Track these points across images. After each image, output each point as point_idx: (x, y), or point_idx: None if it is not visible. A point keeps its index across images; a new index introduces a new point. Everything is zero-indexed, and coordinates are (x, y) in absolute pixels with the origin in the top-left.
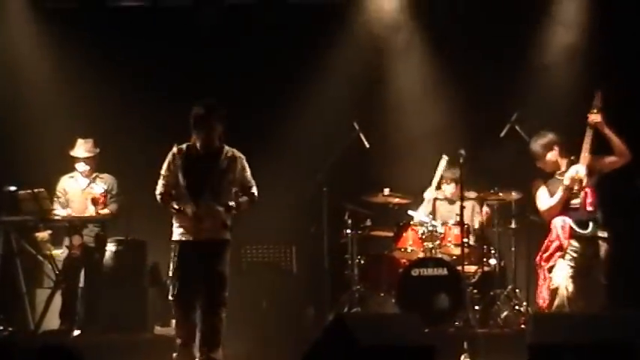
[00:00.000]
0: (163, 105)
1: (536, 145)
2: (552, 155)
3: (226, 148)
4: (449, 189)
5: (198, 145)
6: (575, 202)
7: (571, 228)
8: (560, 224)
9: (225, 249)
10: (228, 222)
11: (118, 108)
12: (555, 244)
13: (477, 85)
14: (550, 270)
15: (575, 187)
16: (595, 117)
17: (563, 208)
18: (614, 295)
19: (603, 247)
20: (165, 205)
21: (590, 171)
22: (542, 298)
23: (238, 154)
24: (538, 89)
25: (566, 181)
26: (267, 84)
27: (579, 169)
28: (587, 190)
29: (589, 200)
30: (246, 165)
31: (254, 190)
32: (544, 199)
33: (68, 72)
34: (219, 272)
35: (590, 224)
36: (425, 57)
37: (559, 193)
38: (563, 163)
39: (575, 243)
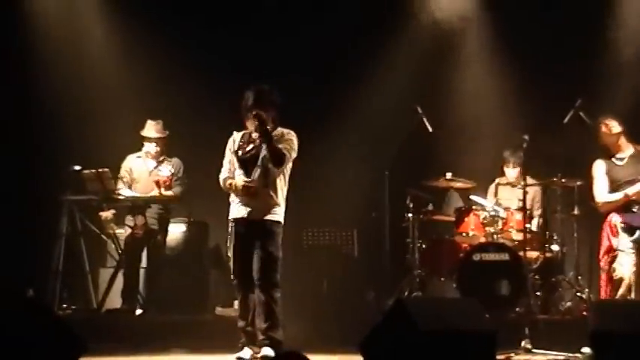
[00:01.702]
0: (231, 88)
1: (597, 126)
2: (615, 124)
3: (278, 130)
4: (512, 173)
5: (251, 130)
6: (635, 206)
7: (617, 227)
8: (609, 224)
9: (275, 230)
10: (280, 203)
11: (185, 91)
12: (605, 244)
13: (541, 70)
14: (610, 263)
15: None
16: None
17: (623, 208)
18: None
19: None
20: (227, 189)
21: None
22: (605, 291)
23: (287, 131)
24: (604, 75)
25: (630, 192)
26: (330, 70)
27: None
28: None
29: None
30: (292, 138)
31: (285, 153)
32: (601, 189)
33: (138, 53)
34: (269, 253)
35: (637, 233)
36: (488, 41)
37: (618, 195)
38: (626, 147)
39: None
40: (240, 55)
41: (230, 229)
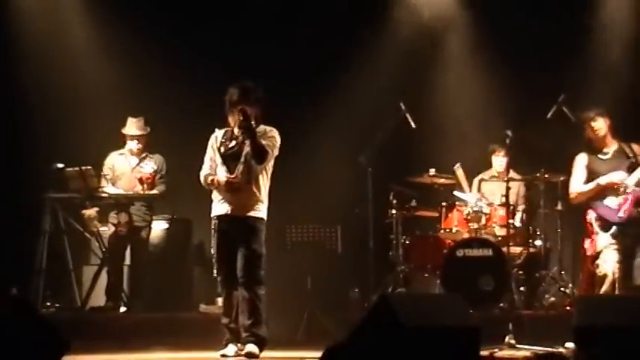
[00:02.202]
0: (213, 86)
1: (589, 111)
2: (601, 124)
3: (261, 127)
4: (501, 162)
5: (234, 127)
6: (613, 201)
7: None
8: (587, 223)
9: (259, 227)
10: (263, 200)
11: (166, 88)
12: (587, 245)
13: (524, 66)
14: (593, 261)
15: (621, 189)
16: None
17: (597, 200)
18: None
19: None
20: (208, 186)
21: None
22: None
23: (270, 128)
24: (587, 70)
25: (602, 182)
26: (314, 66)
27: (627, 180)
28: (630, 196)
29: (625, 207)
30: (274, 135)
31: (267, 149)
32: (576, 180)
33: (118, 51)
34: (252, 250)
35: (614, 228)
36: (470, 39)
37: (590, 185)
38: (611, 143)
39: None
40: (222, 52)
41: (213, 227)
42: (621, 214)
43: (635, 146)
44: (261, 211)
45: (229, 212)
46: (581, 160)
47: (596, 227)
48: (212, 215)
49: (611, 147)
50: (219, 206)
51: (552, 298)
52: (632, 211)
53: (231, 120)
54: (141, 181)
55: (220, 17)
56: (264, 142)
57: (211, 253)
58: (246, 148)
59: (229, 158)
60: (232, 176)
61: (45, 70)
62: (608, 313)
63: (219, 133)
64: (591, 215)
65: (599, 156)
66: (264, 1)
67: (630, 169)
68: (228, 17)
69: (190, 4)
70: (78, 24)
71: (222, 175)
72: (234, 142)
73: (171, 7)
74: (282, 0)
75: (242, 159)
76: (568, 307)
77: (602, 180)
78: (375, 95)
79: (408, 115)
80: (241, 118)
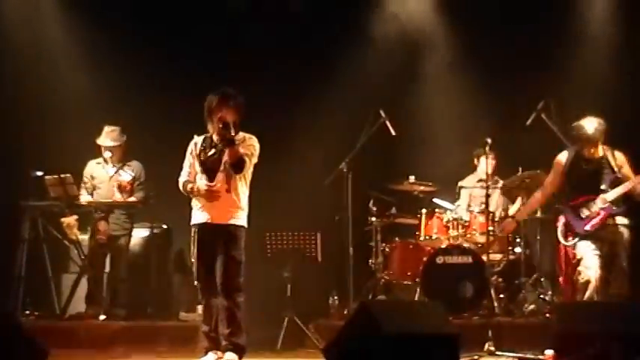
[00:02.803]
0: (189, 93)
1: (595, 130)
2: (595, 155)
3: (240, 134)
4: (483, 167)
5: (210, 130)
6: (585, 212)
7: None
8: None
9: (238, 234)
10: (243, 207)
11: (144, 95)
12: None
13: (504, 73)
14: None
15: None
16: None
17: (570, 207)
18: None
19: (625, 234)
20: (188, 193)
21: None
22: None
23: (249, 136)
24: (567, 78)
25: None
26: (293, 71)
27: (606, 195)
28: (603, 213)
29: (594, 222)
30: (253, 143)
31: (245, 159)
32: (554, 172)
33: (95, 59)
34: (232, 257)
35: (575, 240)
36: (451, 47)
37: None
38: (599, 149)
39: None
40: (201, 60)
41: (193, 235)
42: (588, 227)
43: (618, 155)
44: (241, 218)
45: (209, 220)
46: (559, 161)
47: (559, 234)
48: (192, 223)
49: (598, 153)
50: (199, 214)
51: (532, 305)
52: (599, 226)
53: (210, 127)
54: (120, 188)
55: (198, 24)
56: (242, 150)
57: (191, 261)
58: (226, 157)
59: (209, 166)
60: (212, 184)
61: (23, 78)
62: (587, 319)
63: (198, 140)
64: (560, 222)
65: (584, 162)
66: (243, 9)
67: (612, 185)
68: (206, 24)
69: (168, 12)
70: (56, 31)
71: (201, 183)
72: (213, 150)
73: (149, 15)
74: (262, 8)
75: (221, 167)
76: (547, 314)
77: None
78: (354, 102)
79: (388, 123)
80: (220, 126)
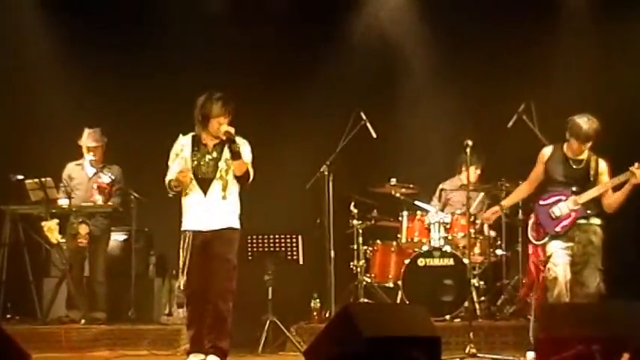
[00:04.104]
0: (171, 95)
1: (592, 129)
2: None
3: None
4: (472, 175)
5: (203, 136)
6: (557, 211)
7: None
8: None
9: (234, 237)
10: (236, 210)
11: (124, 98)
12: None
13: (485, 75)
14: (545, 263)
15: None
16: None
17: (541, 207)
18: (609, 280)
19: (597, 233)
20: (172, 189)
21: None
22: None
23: (243, 141)
24: (549, 79)
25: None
26: (273, 72)
27: (579, 198)
28: (574, 214)
29: (565, 223)
30: (247, 149)
31: (250, 173)
32: (538, 163)
33: (75, 61)
34: (228, 260)
35: (545, 239)
36: (433, 47)
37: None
38: (585, 152)
39: (570, 232)
40: (180, 61)
41: (186, 240)
42: (558, 228)
43: (602, 164)
44: (235, 221)
45: (204, 228)
46: (543, 155)
47: (529, 232)
48: (185, 229)
49: (584, 156)
50: (193, 221)
51: (513, 307)
52: (569, 227)
53: (205, 133)
54: (100, 189)
55: (177, 24)
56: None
57: (175, 265)
58: (221, 164)
59: (202, 176)
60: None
61: (0, 81)
62: (567, 321)
63: (185, 141)
64: (530, 220)
65: (570, 160)
66: (223, 9)
67: (587, 187)
68: (185, 25)
69: (146, 13)
70: (33, 33)
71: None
72: (208, 157)
73: (129, 17)
74: (242, 7)
75: (217, 175)
76: (529, 317)
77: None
78: (335, 105)
79: (369, 125)
80: (226, 140)
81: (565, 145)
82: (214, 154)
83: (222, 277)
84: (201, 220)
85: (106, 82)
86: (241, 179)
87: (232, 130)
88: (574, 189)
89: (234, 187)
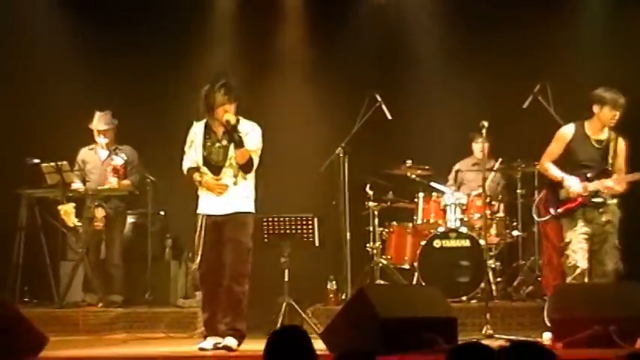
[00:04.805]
0: (182, 77)
1: (618, 101)
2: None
3: (243, 127)
4: (479, 149)
5: (213, 122)
6: (563, 193)
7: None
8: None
9: (247, 221)
10: (250, 195)
11: (136, 80)
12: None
13: (501, 55)
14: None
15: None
16: None
17: (552, 186)
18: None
19: (615, 212)
20: (192, 179)
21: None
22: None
23: (251, 126)
24: (565, 59)
25: (565, 184)
26: (286, 54)
27: (589, 185)
28: (580, 199)
29: (568, 206)
30: (257, 135)
31: (252, 163)
32: (552, 152)
33: (87, 44)
34: (241, 243)
35: (547, 217)
36: (448, 28)
37: (556, 174)
38: (607, 131)
39: (588, 214)
40: (190, 41)
41: (200, 223)
42: (560, 210)
43: (621, 143)
44: (249, 205)
45: (218, 211)
46: (566, 135)
47: (533, 208)
48: (199, 212)
49: (605, 135)
50: (207, 205)
51: (529, 288)
52: (572, 211)
53: (212, 121)
54: (115, 171)
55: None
56: (248, 147)
57: (191, 247)
58: (231, 152)
59: (214, 164)
60: (222, 185)
61: (9, 65)
62: (583, 302)
63: (198, 128)
64: (537, 197)
65: (592, 140)
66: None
67: (601, 175)
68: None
69: None
70: (43, 17)
71: (209, 177)
72: (218, 145)
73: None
74: None
75: (227, 162)
76: (545, 297)
77: (566, 183)
78: (350, 87)
79: (384, 107)
80: (226, 126)
81: (586, 124)
82: (224, 142)
83: (236, 259)
84: (215, 205)
85: (118, 66)
86: (243, 167)
87: (233, 119)
88: (588, 175)
89: (248, 175)
